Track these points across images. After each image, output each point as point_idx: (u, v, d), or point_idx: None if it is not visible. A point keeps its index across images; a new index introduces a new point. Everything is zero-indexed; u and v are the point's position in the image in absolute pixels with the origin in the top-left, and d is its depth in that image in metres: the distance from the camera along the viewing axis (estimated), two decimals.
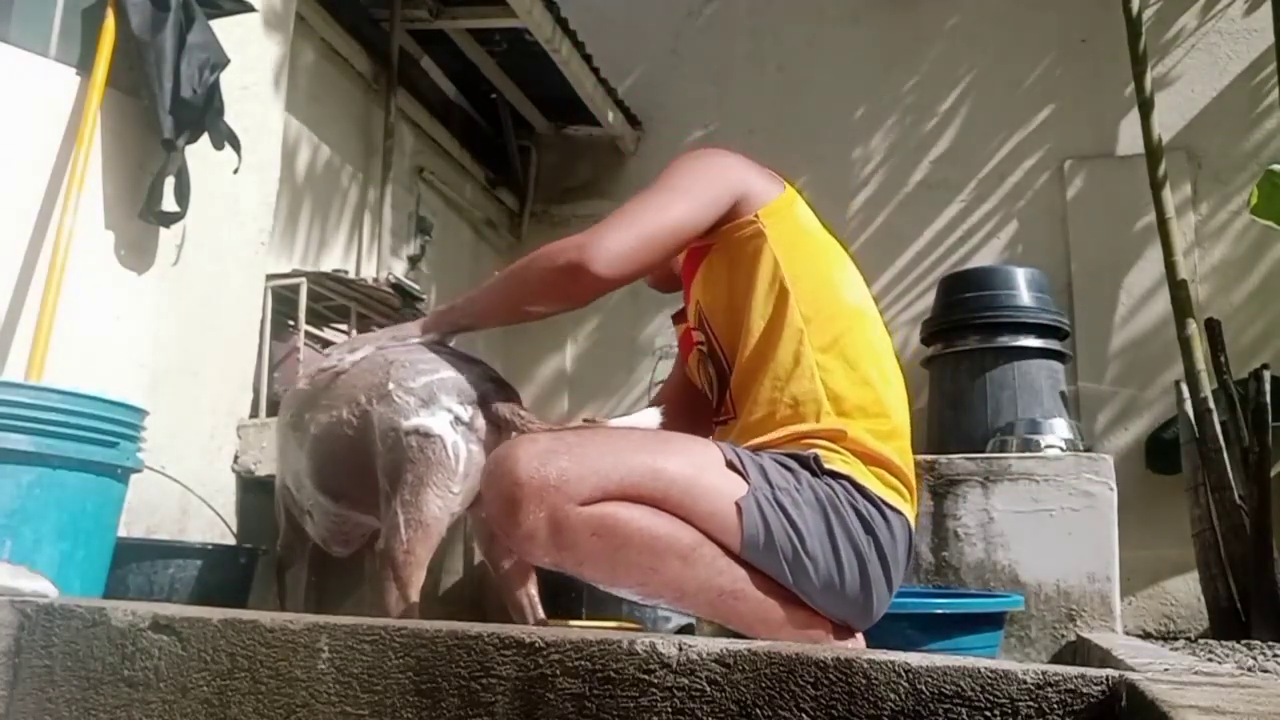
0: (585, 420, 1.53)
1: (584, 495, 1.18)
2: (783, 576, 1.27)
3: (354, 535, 1.75)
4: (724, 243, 1.43)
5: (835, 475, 1.31)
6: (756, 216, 1.41)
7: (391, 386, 1.51)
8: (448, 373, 1.51)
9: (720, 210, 1.40)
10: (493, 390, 1.52)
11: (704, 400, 1.56)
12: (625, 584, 1.25)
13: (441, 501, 1.47)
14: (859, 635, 1.38)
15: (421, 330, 1.58)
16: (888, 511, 1.33)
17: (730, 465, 1.28)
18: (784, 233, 1.42)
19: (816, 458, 1.31)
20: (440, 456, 1.46)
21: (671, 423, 1.43)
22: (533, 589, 1.67)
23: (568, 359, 4.92)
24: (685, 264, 1.54)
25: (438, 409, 1.47)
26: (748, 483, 1.26)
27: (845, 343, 1.38)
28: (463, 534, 3.13)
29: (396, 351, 1.56)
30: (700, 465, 1.27)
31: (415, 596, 1.46)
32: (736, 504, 1.24)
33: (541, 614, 1.66)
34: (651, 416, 1.41)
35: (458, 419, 1.48)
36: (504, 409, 1.49)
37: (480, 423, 1.50)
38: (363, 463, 1.55)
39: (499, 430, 1.49)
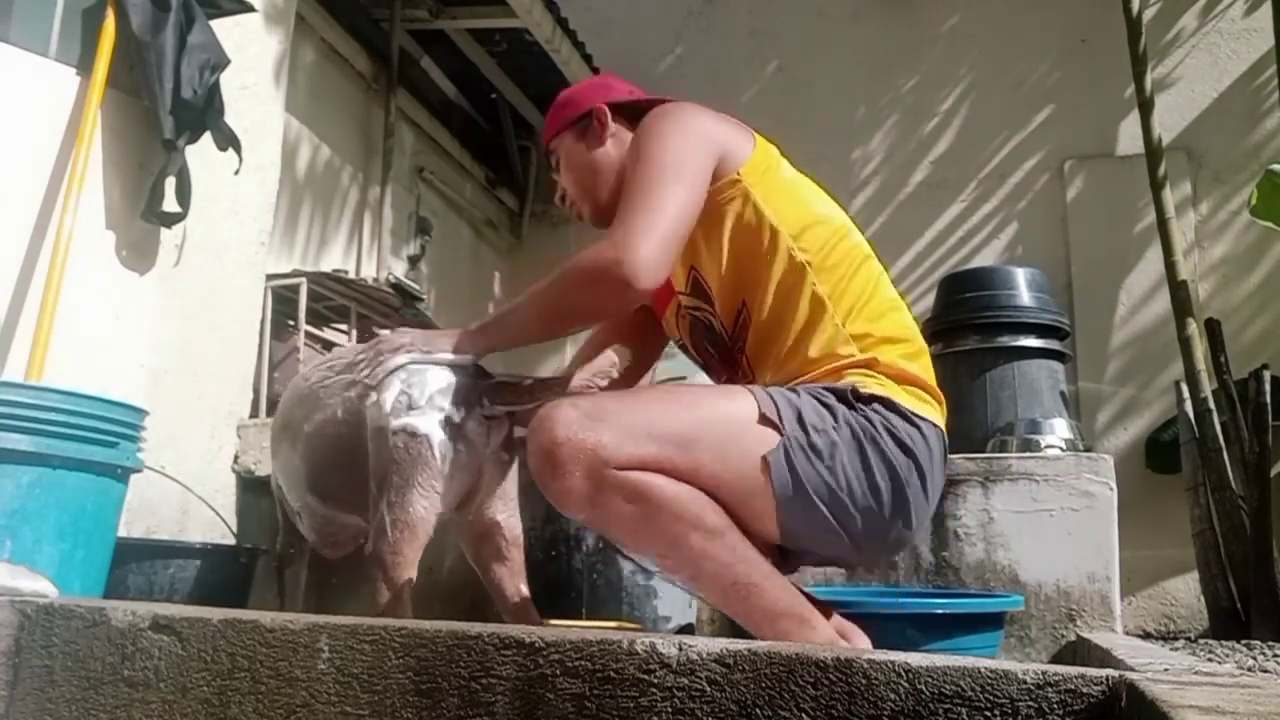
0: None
1: (620, 460, 1.21)
2: (825, 523, 1.28)
3: (342, 537, 1.75)
4: (712, 207, 1.41)
5: (872, 398, 1.33)
6: (739, 175, 1.41)
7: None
8: (439, 371, 1.49)
9: (709, 179, 1.40)
10: (485, 387, 1.50)
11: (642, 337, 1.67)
12: (648, 551, 1.29)
13: (427, 501, 1.45)
14: (863, 635, 1.39)
15: (454, 350, 1.50)
16: (923, 425, 1.35)
17: (764, 418, 1.28)
18: (772, 189, 1.42)
19: (854, 388, 1.33)
20: (425, 456, 1.44)
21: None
22: (523, 585, 1.65)
23: (567, 359, 4.92)
24: None
25: (428, 408, 1.46)
26: (781, 433, 1.27)
27: (858, 282, 1.41)
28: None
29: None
30: (734, 429, 1.28)
31: (407, 597, 1.45)
32: (764, 458, 1.26)
33: (526, 593, 1.63)
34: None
35: (448, 419, 1.46)
36: (496, 407, 1.49)
37: (471, 423, 1.48)
38: (353, 462, 1.54)
39: (490, 429, 1.49)
